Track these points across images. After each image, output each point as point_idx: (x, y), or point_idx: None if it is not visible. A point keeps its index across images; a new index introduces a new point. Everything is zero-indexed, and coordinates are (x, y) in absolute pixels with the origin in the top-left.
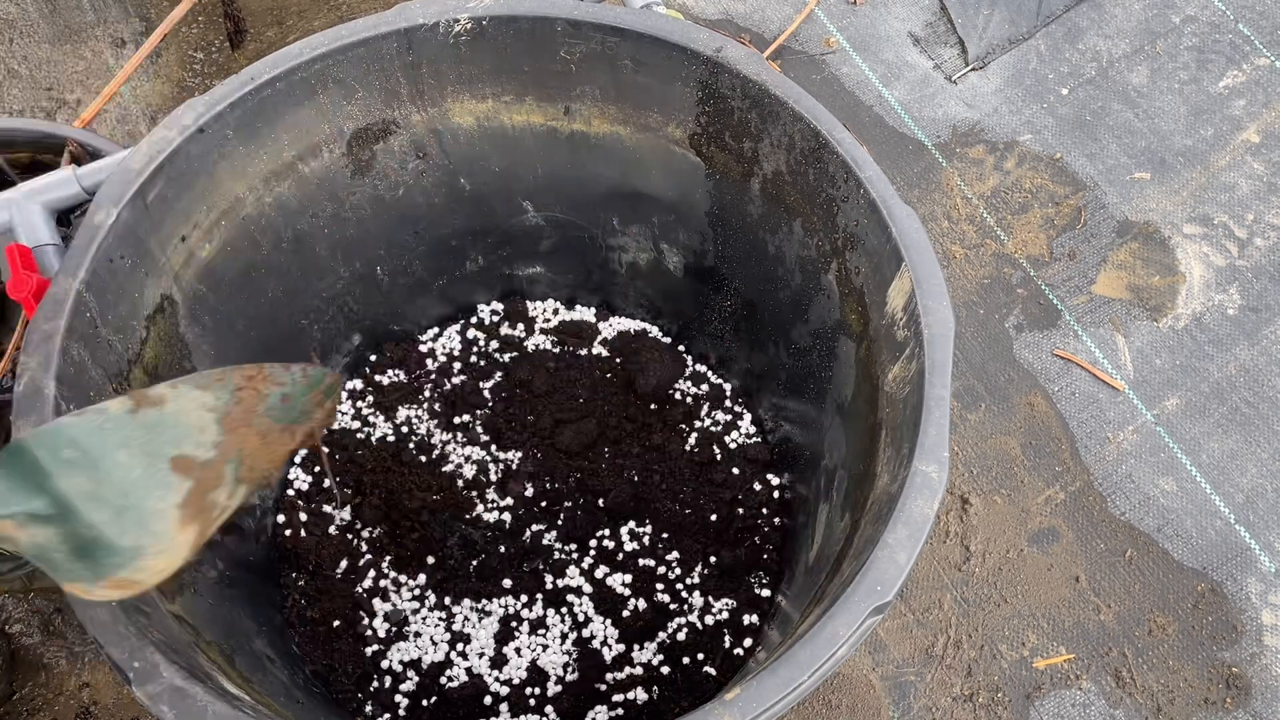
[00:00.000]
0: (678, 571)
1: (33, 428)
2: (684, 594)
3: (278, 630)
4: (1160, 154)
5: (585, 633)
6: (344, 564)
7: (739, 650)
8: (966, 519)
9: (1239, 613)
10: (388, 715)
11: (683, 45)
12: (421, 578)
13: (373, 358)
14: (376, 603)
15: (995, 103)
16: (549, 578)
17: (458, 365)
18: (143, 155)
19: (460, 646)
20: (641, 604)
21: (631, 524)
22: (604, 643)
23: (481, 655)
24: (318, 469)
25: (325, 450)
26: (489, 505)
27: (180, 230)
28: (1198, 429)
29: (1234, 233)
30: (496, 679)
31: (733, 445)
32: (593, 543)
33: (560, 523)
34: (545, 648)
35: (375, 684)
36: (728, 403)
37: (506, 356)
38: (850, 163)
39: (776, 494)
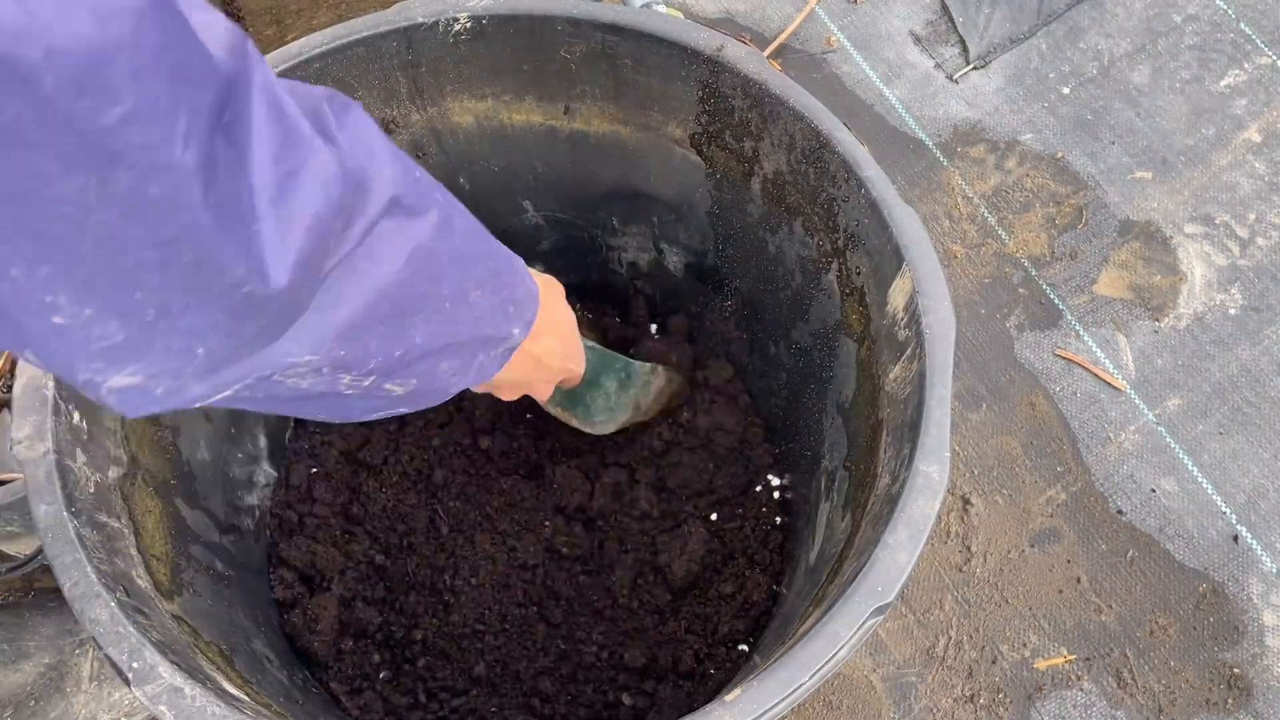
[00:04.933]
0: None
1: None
2: (683, 594)
3: (277, 630)
4: (1162, 153)
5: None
6: (343, 562)
7: (739, 650)
8: (967, 519)
9: (1240, 613)
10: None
11: (683, 44)
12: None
13: None
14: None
15: (996, 102)
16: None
17: None
18: None
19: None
20: (639, 604)
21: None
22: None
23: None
24: (315, 470)
25: None
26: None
27: None
28: (1199, 429)
29: (1236, 232)
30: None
31: (733, 445)
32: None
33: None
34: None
35: (373, 680)
36: None
37: None
38: (851, 162)
39: (776, 494)
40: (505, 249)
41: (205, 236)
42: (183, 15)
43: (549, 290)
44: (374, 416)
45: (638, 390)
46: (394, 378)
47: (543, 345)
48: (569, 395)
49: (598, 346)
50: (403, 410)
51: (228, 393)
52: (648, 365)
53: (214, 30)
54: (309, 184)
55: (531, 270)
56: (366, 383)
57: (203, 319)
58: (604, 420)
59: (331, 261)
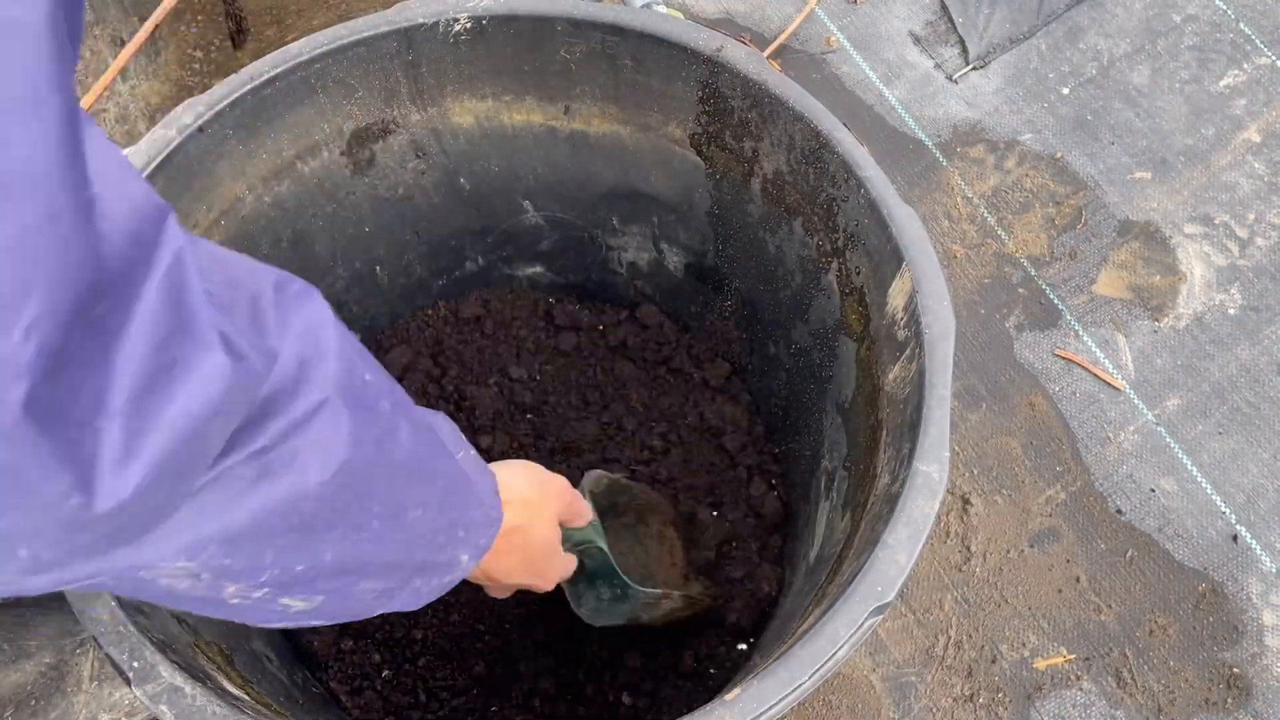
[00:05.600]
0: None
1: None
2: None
3: (276, 629)
4: (1161, 153)
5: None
6: None
7: (739, 650)
8: (967, 519)
9: (1240, 613)
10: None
11: (683, 44)
12: None
13: None
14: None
15: (996, 102)
16: None
17: None
18: (142, 155)
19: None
20: None
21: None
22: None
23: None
24: None
25: None
26: None
27: None
28: (1199, 429)
29: (1235, 232)
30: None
31: (733, 446)
32: None
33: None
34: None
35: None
36: None
37: None
38: (850, 162)
39: (776, 494)
40: (470, 464)
41: (18, 438)
42: (86, 193)
43: (542, 498)
44: (272, 625)
45: (636, 608)
46: (292, 593)
47: (500, 564)
48: None
49: (606, 552)
50: (312, 624)
51: (78, 586)
52: (658, 591)
53: (123, 208)
54: (188, 378)
55: (528, 471)
56: (257, 594)
57: (23, 523)
58: (590, 614)
59: (228, 460)
